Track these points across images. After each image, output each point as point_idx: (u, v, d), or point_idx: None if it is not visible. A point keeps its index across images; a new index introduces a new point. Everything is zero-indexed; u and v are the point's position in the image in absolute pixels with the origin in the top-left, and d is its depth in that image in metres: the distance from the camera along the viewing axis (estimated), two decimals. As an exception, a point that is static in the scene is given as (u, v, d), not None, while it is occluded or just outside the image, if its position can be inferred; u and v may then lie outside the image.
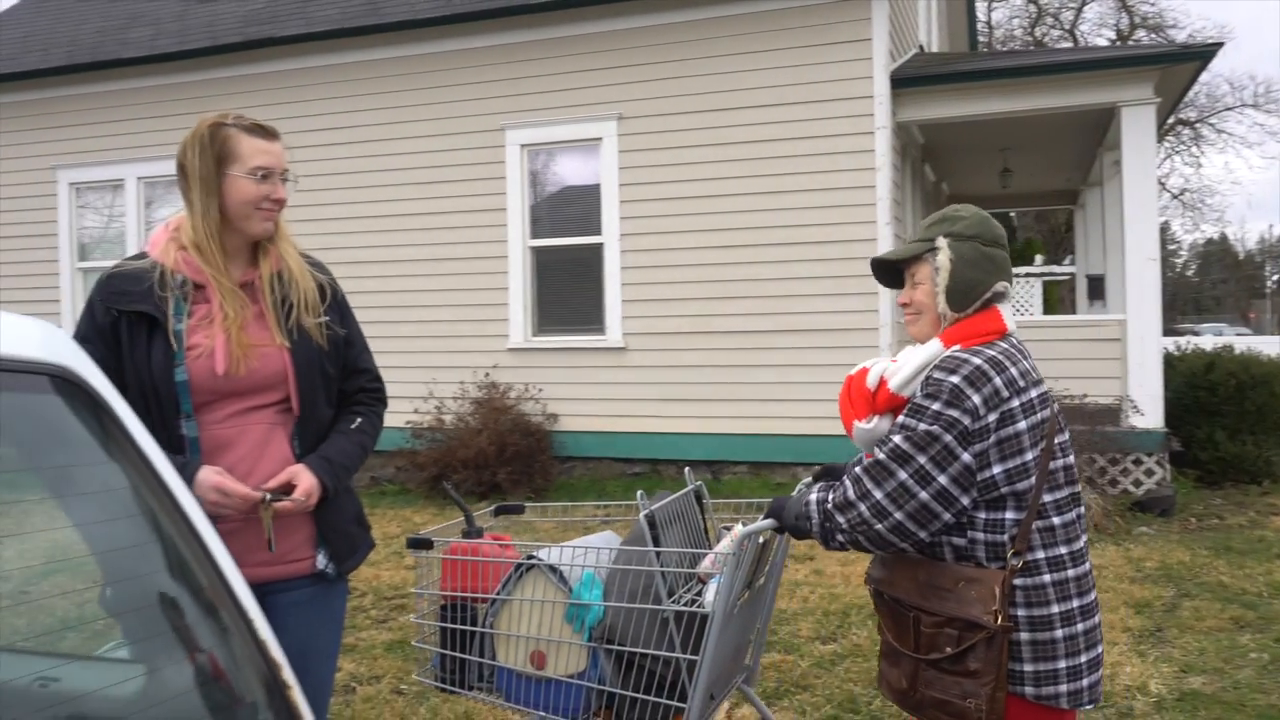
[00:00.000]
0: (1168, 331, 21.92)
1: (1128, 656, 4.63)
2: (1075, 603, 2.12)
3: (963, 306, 2.23)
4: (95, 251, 11.24)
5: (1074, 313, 18.20)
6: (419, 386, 9.62)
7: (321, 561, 2.34)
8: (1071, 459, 2.23)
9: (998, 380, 2.09)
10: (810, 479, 2.62)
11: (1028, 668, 2.10)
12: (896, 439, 2.11)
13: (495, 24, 9.60)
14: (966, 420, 2.06)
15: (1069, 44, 31.15)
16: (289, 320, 2.31)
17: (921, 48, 11.52)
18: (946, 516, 2.10)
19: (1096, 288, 13.37)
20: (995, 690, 2.07)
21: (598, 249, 9.38)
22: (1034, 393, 2.14)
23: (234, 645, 1.37)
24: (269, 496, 2.18)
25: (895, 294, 8.33)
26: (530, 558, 2.68)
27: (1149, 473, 8.10)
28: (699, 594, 2.58)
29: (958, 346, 2.18)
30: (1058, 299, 24.80)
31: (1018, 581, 2.09)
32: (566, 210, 9.80)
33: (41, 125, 11.39)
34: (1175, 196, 34.17)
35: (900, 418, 2.15)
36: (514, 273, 9.57)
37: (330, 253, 9.94)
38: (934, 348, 2.21)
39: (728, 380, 8.91)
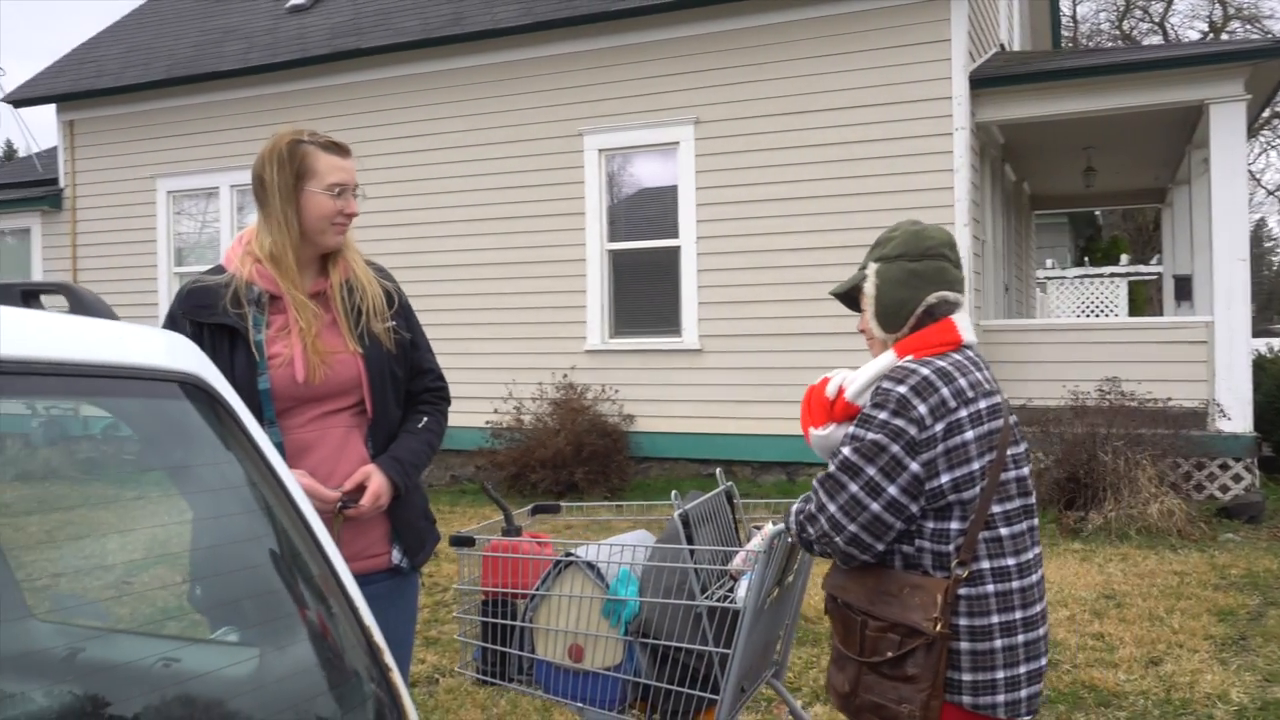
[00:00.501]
0: (1260, 332, 21.24)
1: (1208, 664, 4.58)
2: (1018, 614, 2.13)
3: (895, 326, 2.27)
4: (190, 256, 11.69)
5: (1161, 313, 17.76)
6: (499, 387, 9.82)
7: (396, 556, 2.46)
8: (1026, 471, 2.23)
9: (945, 391, 2.11)
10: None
11: (966, 677, 2.11)
12: (846, 451, 2.14)
13: (573, 31, 9.76)
14: (913, 430, 2.09)
15: (1159, 37, 30.34)
16: (359, 327, 2.42)
17: (1002, 46, 11.38)
18: (899, 525, 2.12)
19: (1184, 288, 13.05)
20: (930, 697, 2.08)
21: (674, 252, 9.47)
22: (983, 404, 2.14)
23: (341, 630, 1.50)
24: (340, 504, 2.29)
25: (972, 296, 8.22)
26: (568, 555, 2.77)
27: (1236, 478, 7.92)
28: (731, 590, 2.66)
29: (910, 357, 2.19)
30: (1145, 299, 24.21)
31: (962, 591, 2.10)
32: (644, 213, 9.92)
33: (142, 136, 11.89)
34: (1271, 193, 33.06)
35: (850, 428, 2.19)
36: (592, 275, 9.72)
37: (412, 257, 10.24)
38: (888, 358, 2.23)
39: (804, 383, 8.88)
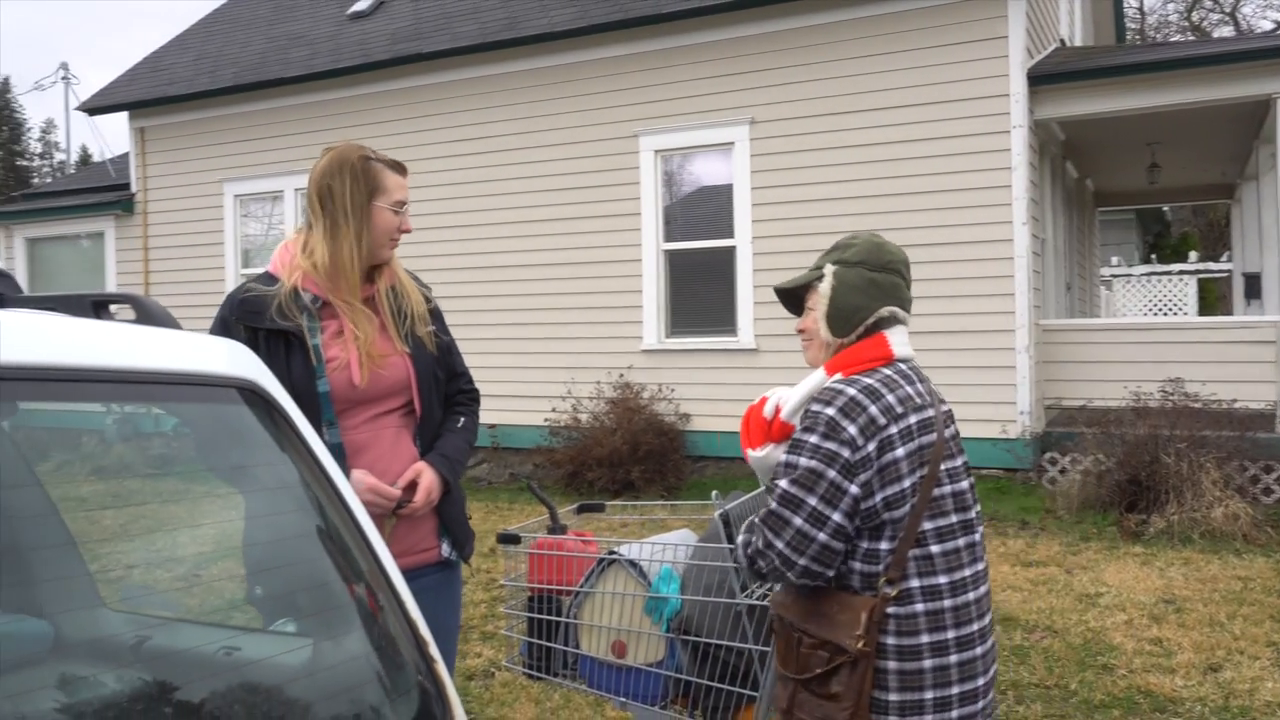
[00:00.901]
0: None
1: (1270, 672, 4.50)
2: (950, 634, 2.08)
3: (844, 332, 2.23)
4: (256, 259, 11.98)
5: (1232, 312, 17.35)
6: (557, 386, 9.93)
7: (446, 550, 2.57)
8: (964, 484, 2.19)
9: (873, 409, 2.08)
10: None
11: (893, 697, 2.07)
12: (783, 484, 2.09)
13: (628, 33, 9.84)
14: (846, 452, 2.05)
15: (1230, 29, 29.56)
16: (405, 331, 2.53)
17: (1063, 42, 11.22)
18: (844, 549, 2.10)
19: (1254, 286, 12.74)
20: (854, 716, 2.05)
21: (730, 252, 9.50)
22: (913, 419, 2.11)
23: (389, 622, 1.58)
24: (397, 503, 2.39)
25: (1032, 295, 8.16)
26: (611, 553, 2.84)
27: (1306, 481, 7.73)
28: (770, 589, 2.70)
29: (838, 375, 2.17)
30: (1216, 296, 23.63)
31: (890, 610, 2.06)
32: (699, 214, 9.97)
33: (210, 142, 12.22)
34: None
35: (783, 455, 2.14)
36: (648, 276, 9.78)
37: (470, 258, 10.41)
38: (819, 376, 2.20)
39: (859, 382, 8.90)
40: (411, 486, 2.44)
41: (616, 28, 9.78)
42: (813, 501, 2.05)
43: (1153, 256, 24.95)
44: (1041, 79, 8.76)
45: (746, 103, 9.41)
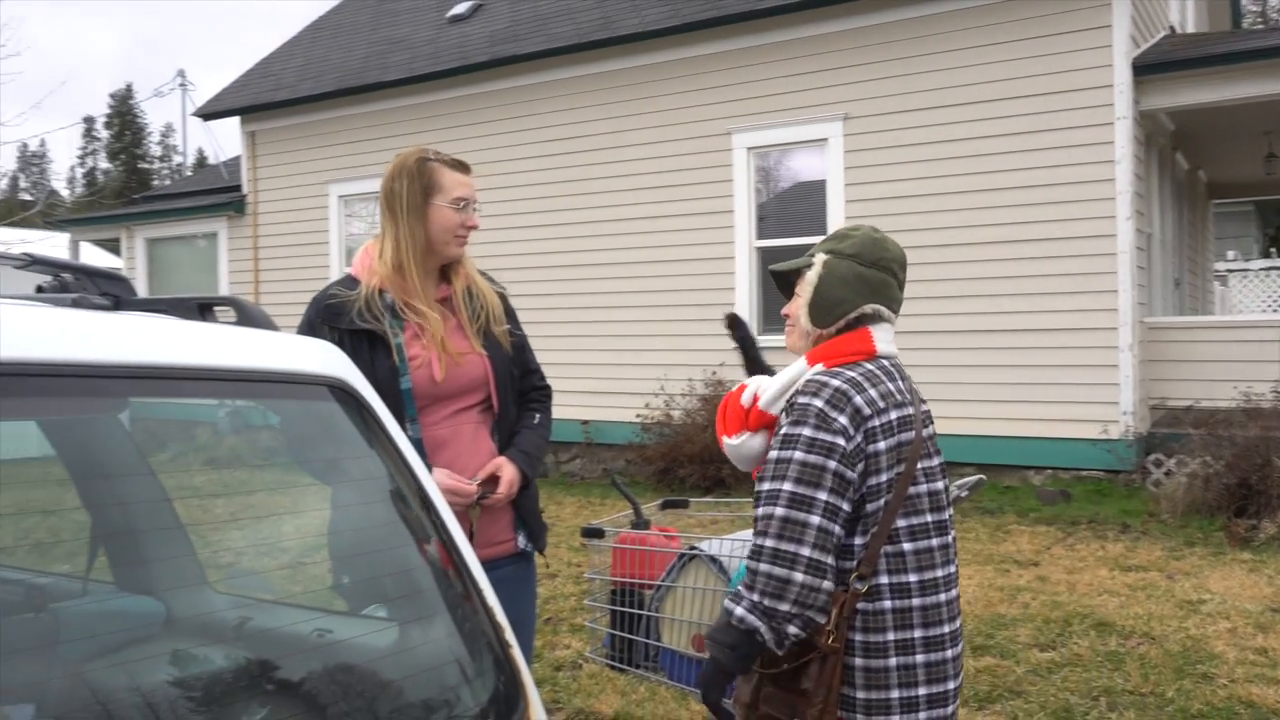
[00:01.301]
0: None
1: (1383, 683, 4.33)
2: (917, 633, 2.04)
3: (824, 323, 2.19)
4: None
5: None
6: (650, 383, 10.01)
7: (522, 542, 2.66)
8: (940, 485, 2.16)
9: (858, 400, 2.05)
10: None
11: (860, 694, 2.05)
12: (787, 486, 2.01)
13: (721, 31, 9.85)
14: (841, 441, 2.02)
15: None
16: (482, 330, 2.61)
17: (1172, 29, 10.85)
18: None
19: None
20: (823, 713, 2.02)
21: (822, 249, 9.44)
22: (894, 415, 2.08)
23: (467, 609, 1.66)
24: (479, 496, 2.48)
25: (1137, 292, 7.93)
26: (692, 549, 2.87)
27: None
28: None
29: (820, 366, 2.14)
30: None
31: (859, 605, 2.04)
32: (791, 210, 9.94)
33: (316, 144, 12.65)
34: None
35: (775, 452, 2.07)
36: (740, 273, 9.80)
37: (565, 256, 10.56)
38: (800, 366, 2.17)
39: (954, 380, 8.78)
40: (491, 480, 2.53)
41: (709, 25, 9.81)
42: (824, 496, 2.00)
43: (1272, 250, 23.88)
44: (1148, 68, 8.50)
45: (840, 98, 9.34)
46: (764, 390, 2.21)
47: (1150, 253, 9.53)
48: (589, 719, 4.19)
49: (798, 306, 2.25)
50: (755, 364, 2.76)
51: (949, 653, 2.09)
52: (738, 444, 2.26)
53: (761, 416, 2.22)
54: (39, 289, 1.76)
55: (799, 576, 1.97)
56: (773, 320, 9.67)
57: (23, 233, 16.34)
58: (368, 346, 2.50)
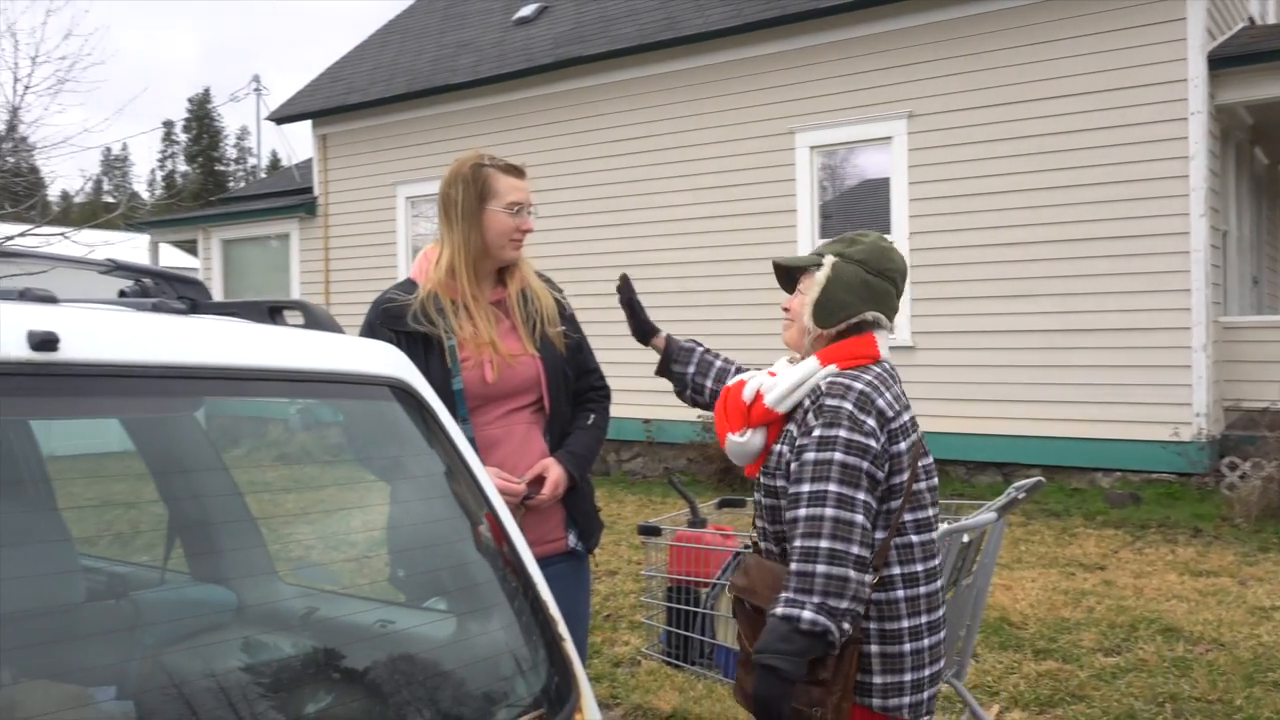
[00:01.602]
0: None
1: None
2: (924, 618, 2.16)
3: (826, 324, 2.24)
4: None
5: None
6: (710, 383, 10.02)
7: (573, 540, 2.69)
8: (935, 481, 2.24)
9: (879, 402, 2.12)
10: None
11: (877, 680, 2.14)
12: (833, 487, 2.06)
13: (784, 30, 9.83)
14: (872, 442, 2.09)
15: None
16: (536, 332, 2.66)
17: (1251, 20, 10.56)
18: None
19: None
20: (842, 700, 2.09)
21: (886, 248, 9.38)
22: (906, 416, 2.18)
23: (521, 602, 1.72)
24: (524, 496, 2.53)
25: (1211, 291, 7.75)
26: (748, 547, 2.89)
27: None
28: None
29: (833, 367, 2.19)
30: None
31: (875, 595, 2.12)
32: (855, 209, 9.88)
33: (385, 147, 12.89)
34: None
35: (813, 454, 2.10)
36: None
37: (625, 256, 10.62)
38: (810, 365, 2.21)
39: (1022, 381, 8.67)
40: (539, 480, 2.57)
41: (773, 25, 9.79)
42: (863, 496, 2.08)
43: (1359, 247, 23.06)
44: (1224, 61, 8.30)
45: (905, 96, 9.27)
46: (768, 388, 2.25)
47: (1226, 250, 9.30)
48: (647, 715, 4.24)
49: (800, 303, 2.31)
50: (642, 325, 2.76)
51: (942, 634, 2.24)
52: (743, 441, 2.30)
53: (766, 414, 2.26)
54: (121, 293, 1.86)
55: (853, 574, 2.04)
56: (835, 320, 9.62)
57: (106, 234, 16.89)
58: (423, 348, 2.56)
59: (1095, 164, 8.35)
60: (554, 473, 2.59)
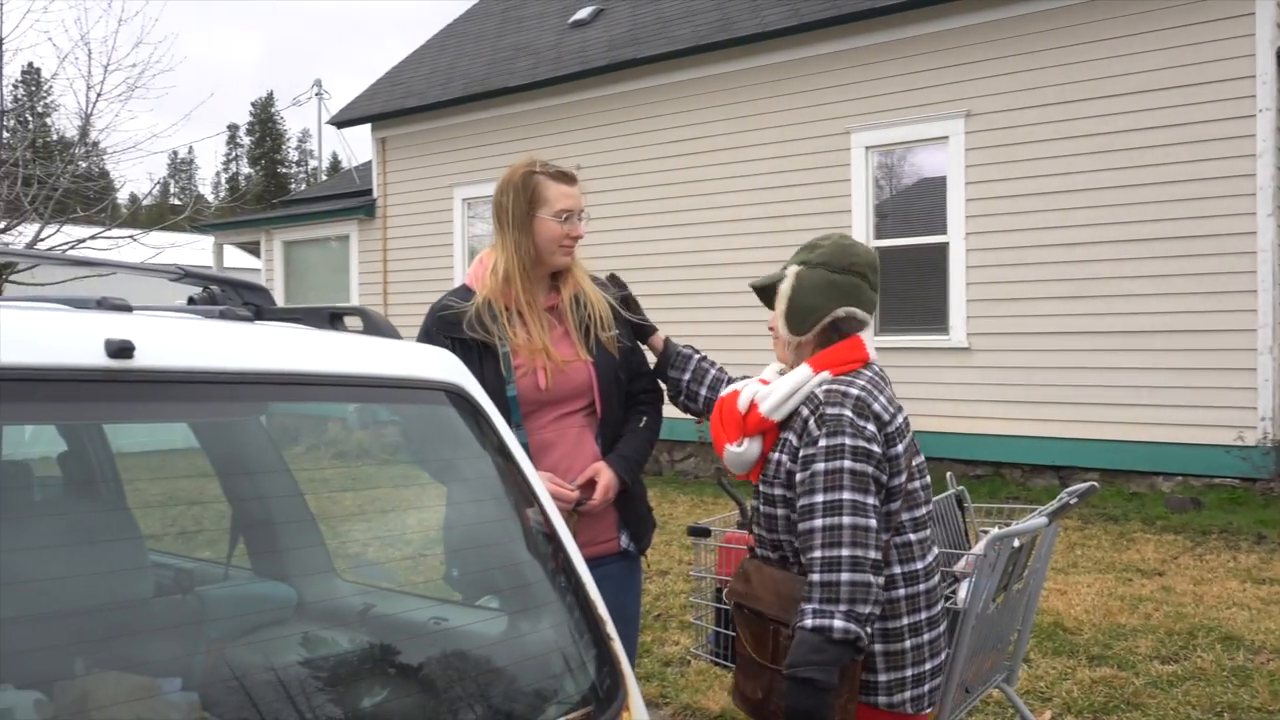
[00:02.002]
0: None
1: None
2: (924, 615, 2.22)
3: (801, 330, 2.30)
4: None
5: None
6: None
7: (624, 542, 2.74)
8: (929, 479, 2.27)
9: (875, 406, 2.17)
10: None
11: (881, 678, 2.19)
12: (848, 495, 2.08)
13: (840, 30, 9.79)
14: (875, 447, 2.13)
15: None
16: (589, 337, 2.69)
17: (1322, 15, 10.29)
18: None
19: None
20: (848, 702, 2.09)
21: (942, 248, 9.31)
22: (900, 418, 2.22)
23: (571, 602, 1.77)
24: (576, 503, 2.58)
25: (1277, 293, 7.57)
26: None
27: None
28: (953, 592, 2.72)
29: (827, 373, 2.22)
30: None
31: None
32: (910, 210, 9.81)
33: (442, 149, 13.06)
34: None
35: (823, 463, 2.11)
36: (856, 273, 9.71)
37: (683, 256, 10.65)
38: (803, 373, 2.22)
39: (1080, 383, 8.55)
40: (589, 485, 2.62)
41: (829, 25, 9.76)
42: (873, 500, 2.12)
43: None
44: (1292, 58, 8.10)
45: (962, 95, 9.18)
46: (763, 397, 2.27)
47: (1294, 251, 9.08)
48: (695, 714, 4.27)
49: (776, 318, 2.37)
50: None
51: (941, 628, 2.30)
52: (740, 450, 2.32)
53: (761, 422, 2.28)
54: (190, 300, 1.94)
55: (873, 578, 2.09)
56: (888, 320, 9.59)
57: (173, 236, 17.31)
58: (478, 355, 2.61)
59: (1157, 162, 8.21)
60: (605, 477, 2.62)
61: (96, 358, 1.35)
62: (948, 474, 3.35)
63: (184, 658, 1.62)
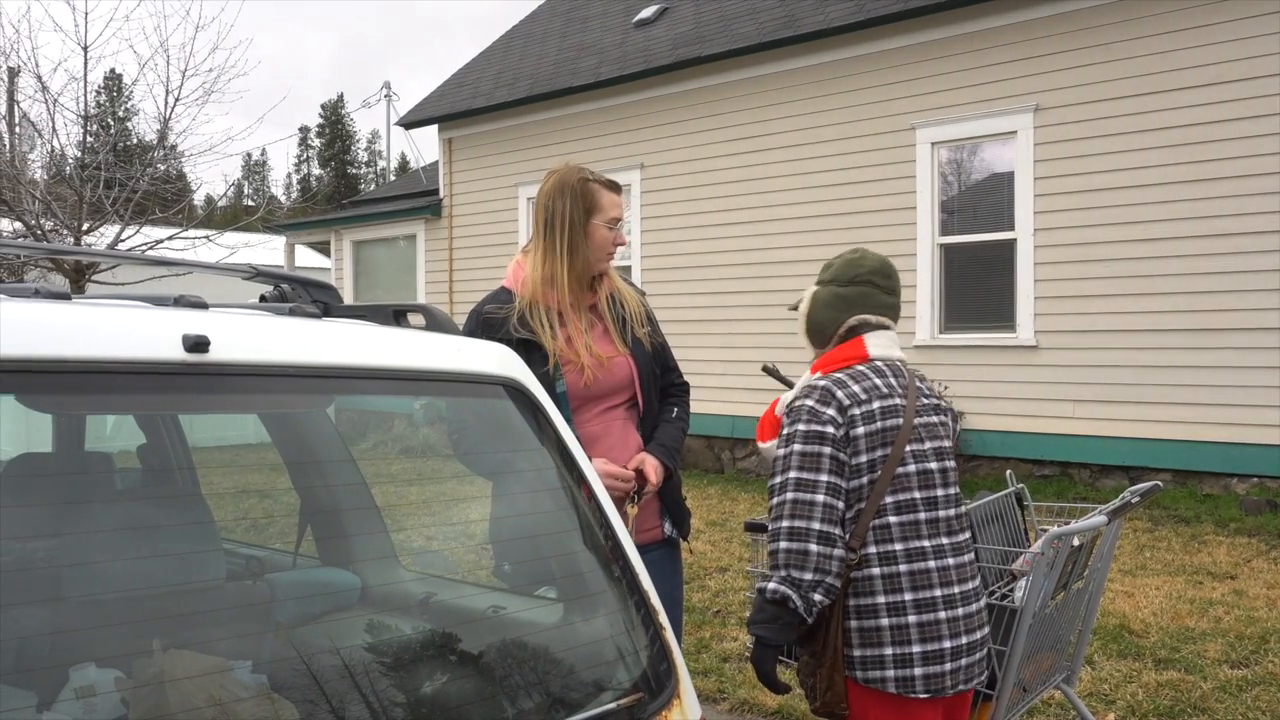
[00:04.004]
0: None
1: None
2: (907, 596, 2.30)
3: (820, 343, 2.57)
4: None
5: None
6: (826, 382, 9.97)
7: (668, 529, 2.85)
8: (933, 465, 2.38)
9: (839, 394, 2.36)
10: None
11: (856, 653, 2.32)
12: (792, 474, 2.32)
13: (906, 25, 9.71)
14: (829, 429, 2.32)
15: None
16: (627, 333, 2.79)
17: None
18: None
19: None
20: (832, 672, 2.30)
21: (1009, 245, 9.18)
22: (876, 404, 2.36)
23: (625, 592, 1.81)
24: (637, 497, 2.67)
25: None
26: None
27: None
28: (1010, 590, 2.71)
29: (819, 374, 2.45)
30: None
31: (851, 574, 2.31)
32: (977, 206, 9.69)
33: (507, 149, 13.20)
34: None
35: (780, 449, 2.38)
36: (922, 270, 9.63)
37: (745, 254, 10.65)
38: (806, 376, 2.46)
39: (1152, 381, 8.37)
40: (639, 476, 2.70)
41: (894, 20, 9.67)
42: (825, 477, 2.31)
43: None
44: (1377, 48, 7.84)
45: (1031, 89, 9.04)
46: (785, 401, 2.52)
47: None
48: (752, 710, 4.29)
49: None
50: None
51: (943, 614, 2.32)
52: (768, 448, 2.55)
53: (779, 422, 2.50)
54: (262, 298, 2.02)
55: (813, 547, 2.27)
56: (954, 317, 9.50)
57: (246, 236, 17.74)
58: (524, 354, 2.68)
59: (1235, 155, 8.00)
60: (651, 462, 2.72)
61: (175, 351, 1.43)
62: (1007, 472, 3.33)
63: (253, 640, 1.70)
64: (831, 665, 2.31)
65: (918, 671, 2.29)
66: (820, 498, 2.29)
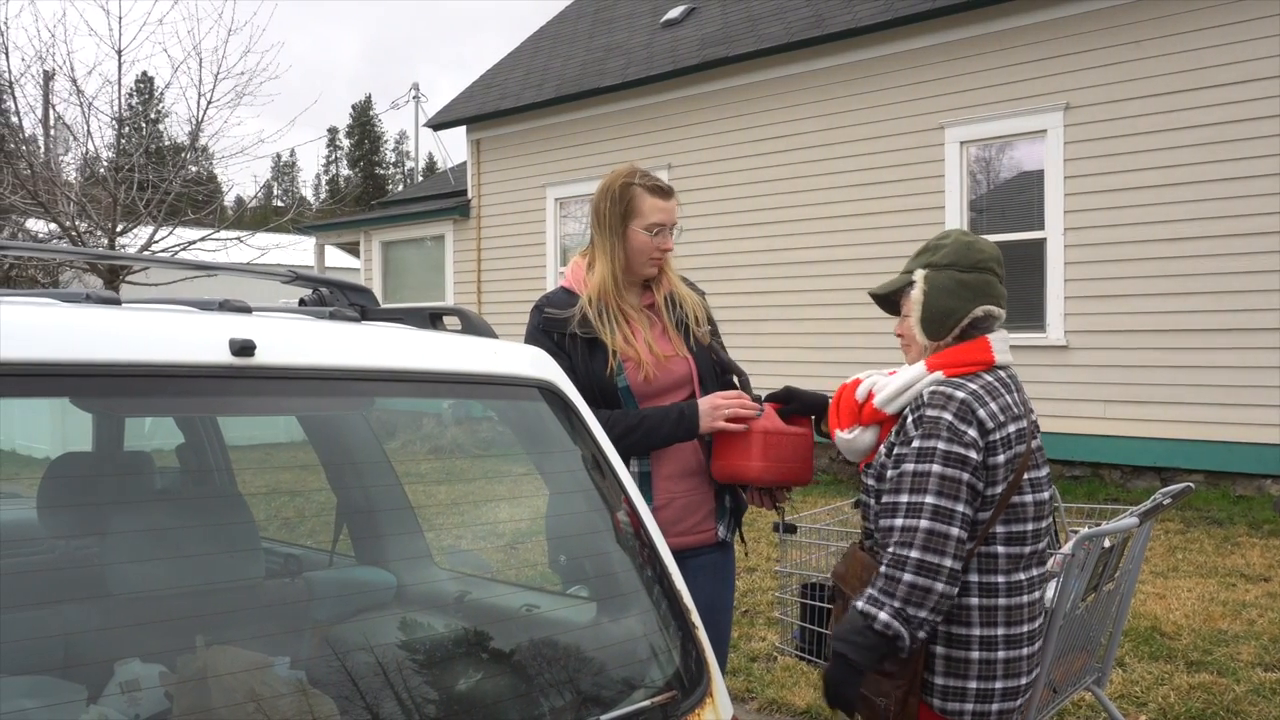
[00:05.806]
0: None
1: None
2: (1000, 630, 2.16)
3: (939, 335, 2.26)
4: (572, 255, 12.86)
5: None
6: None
7: (722, 532, 2.82)
8: (1045, 495, 2.17)
9: (981, 413, 2.13)
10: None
11: (938, 680, 2.17)
12: (929, 499, 2.09)
13: (935, 24, 9.67)
14: (972, 454, 2.10)
15: None
16: (685, 333, 2.80)
17: None
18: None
19: None
20: (907, 694, 2.11)
21: (1039, 244, 9.13)
22: (1012, 428, 2.16)
23: (657, 591, 1.83)
24: (788, 503, 2.75)
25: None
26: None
27: None
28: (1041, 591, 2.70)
29: (939, 374, 2.20)
30: None
31: None
32: (1006, 205, 9.64)
33: (535, 150, 13.26)
34: None
35: (911, 465, 2.13)
36: (950, 271, 9.58)
37: (771, 254, 10.65)
38: (919, 369, 2.20)
39: (1183, 382, 8.30)
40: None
41: (923, 19, 9.64)
42: (961, 508, 2.11)
43: None
44: None
45: (1060, 88, 8.98)
46: (880, 388, 2.31)
47: None
48: (781, 709, 4.30)
49: (910, 325, 2.33)
50: (806, 403, 2.85)
51: (1025, 650, 2.21)
52: (851, 438, 2.38)
53: (875, 413, 2.32)
54: (301, 302, 2.05)
55: (940, 586, 2.09)
56: (984, 319, 9.41)
57: (276, 237, 17.91)
58: (587, 352, 2.72)
59: (1266, 154, 7.91)
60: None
61: (222, 355, 1.46)
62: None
63: (291, 636, 1.73)
64: (908, 688, 2.16)
65: (995, 707, 2.19)
66: (955, 531, 2.09)
